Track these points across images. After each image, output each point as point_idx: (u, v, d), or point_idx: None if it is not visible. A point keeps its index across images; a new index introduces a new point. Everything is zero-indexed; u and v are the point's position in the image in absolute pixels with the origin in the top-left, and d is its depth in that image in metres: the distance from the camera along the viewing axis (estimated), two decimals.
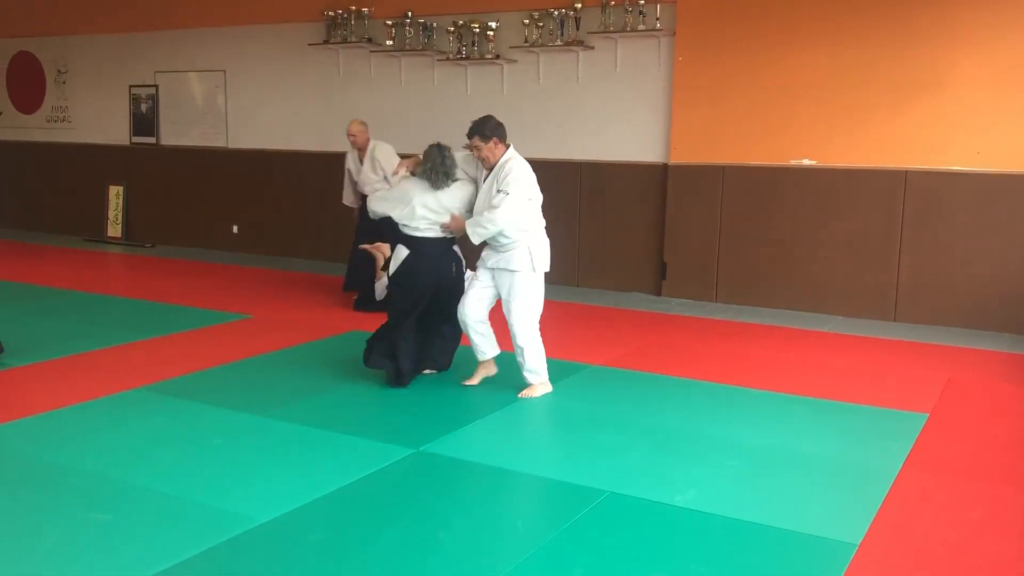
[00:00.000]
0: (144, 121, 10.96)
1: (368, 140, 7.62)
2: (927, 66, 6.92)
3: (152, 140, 10.93)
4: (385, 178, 7.36)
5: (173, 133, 10.82)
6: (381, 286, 6.92)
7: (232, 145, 10.40)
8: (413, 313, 5.15)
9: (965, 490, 3.84)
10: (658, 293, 8.10)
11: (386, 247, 6.59)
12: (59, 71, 11.61)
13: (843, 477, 3.97)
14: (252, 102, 10.16)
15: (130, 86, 11.00)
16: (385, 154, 7.50)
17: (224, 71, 10.28)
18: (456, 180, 5.19)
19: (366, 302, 7.23)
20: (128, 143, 11.13)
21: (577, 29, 8.14)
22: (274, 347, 6.08)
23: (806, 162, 7.42)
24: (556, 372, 5.33)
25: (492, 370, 5.28)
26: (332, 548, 3.22)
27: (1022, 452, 4.34)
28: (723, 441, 4.39)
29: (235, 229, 10.51)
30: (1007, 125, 6.73)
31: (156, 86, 10.80)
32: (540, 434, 4.71)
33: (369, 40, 9.14)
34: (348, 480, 3.80)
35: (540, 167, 8.40)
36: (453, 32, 8.66)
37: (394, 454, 4.11)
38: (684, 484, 3.82)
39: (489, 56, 8.53)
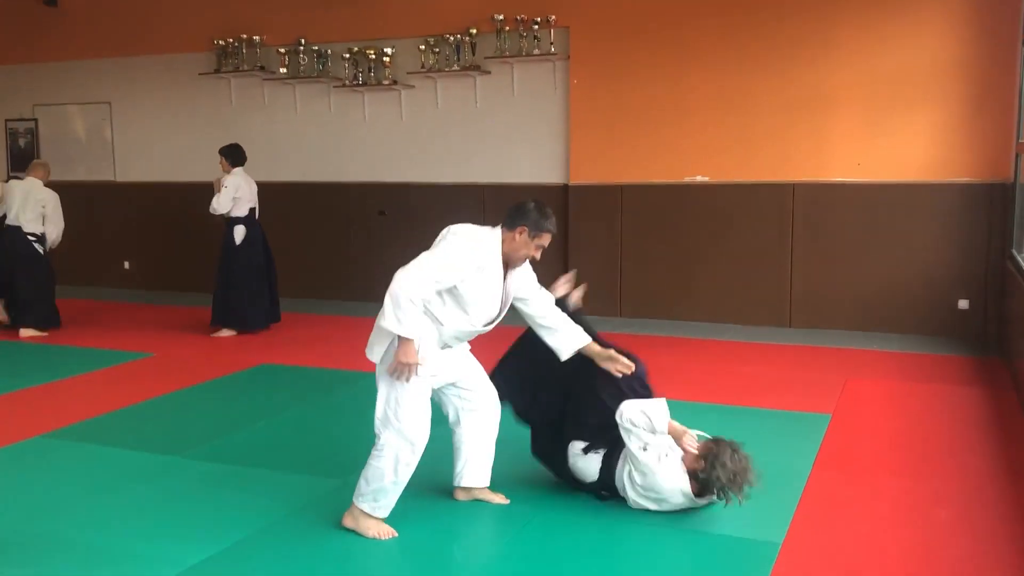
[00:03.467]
0: (23, 156, 10.49)
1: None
2: (808, 85, 7.30)
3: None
4: None
5: (56, 168, 10.35)
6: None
7: (121, 179, 10.08)
8: None
9: (872, 485, 4.05)
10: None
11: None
12: None
13: (760, 479, 4.13)
14: (141, 134, 9.88)
15: (6, 120, 10.55)
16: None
17: (109, 103, 9.96)
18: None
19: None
20: (5, 180, 10.61)
21: (473, 54, 8.25)
22: (181, 385, 5.91)
23: (700, 179, 7.70)
24: None
25: None
26: None
27: (920, 446, 4.60)
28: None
29: (127, 265, 10.17)
30: (883, 138, 7.16)
31: (35, 120, 10.38)
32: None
33: (262, 68, 9.03)
34: (276, 515, 3.73)
35: (442, 191, 8.57)
36: (348, 59, 8.65)
37: (320, 486, 4.05)
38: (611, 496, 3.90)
39: (386, 82, 8.55)
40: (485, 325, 3.59)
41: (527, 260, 3.62)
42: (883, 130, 7.15)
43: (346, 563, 3.33)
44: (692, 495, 3.57)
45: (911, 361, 6.39)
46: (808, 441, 4.62)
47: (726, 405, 5.30)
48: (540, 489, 3.99)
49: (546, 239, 3.56)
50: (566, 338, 3.79)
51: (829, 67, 7.24)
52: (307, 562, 3.32)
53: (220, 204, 7.34)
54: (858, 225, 7.29)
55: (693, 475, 3.56)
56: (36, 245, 7.74)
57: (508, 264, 3.57)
